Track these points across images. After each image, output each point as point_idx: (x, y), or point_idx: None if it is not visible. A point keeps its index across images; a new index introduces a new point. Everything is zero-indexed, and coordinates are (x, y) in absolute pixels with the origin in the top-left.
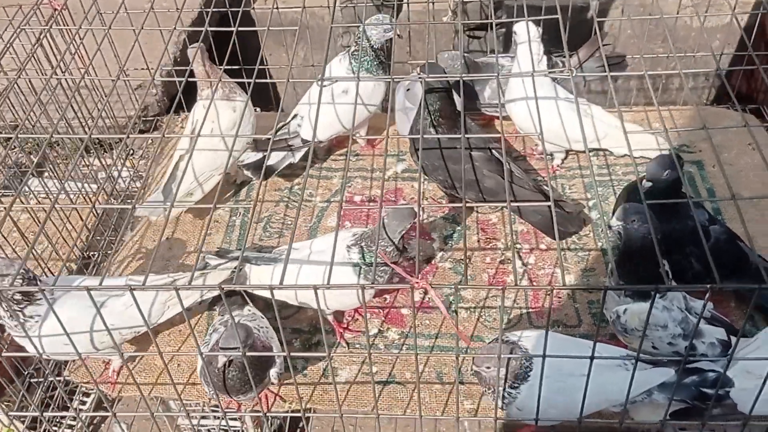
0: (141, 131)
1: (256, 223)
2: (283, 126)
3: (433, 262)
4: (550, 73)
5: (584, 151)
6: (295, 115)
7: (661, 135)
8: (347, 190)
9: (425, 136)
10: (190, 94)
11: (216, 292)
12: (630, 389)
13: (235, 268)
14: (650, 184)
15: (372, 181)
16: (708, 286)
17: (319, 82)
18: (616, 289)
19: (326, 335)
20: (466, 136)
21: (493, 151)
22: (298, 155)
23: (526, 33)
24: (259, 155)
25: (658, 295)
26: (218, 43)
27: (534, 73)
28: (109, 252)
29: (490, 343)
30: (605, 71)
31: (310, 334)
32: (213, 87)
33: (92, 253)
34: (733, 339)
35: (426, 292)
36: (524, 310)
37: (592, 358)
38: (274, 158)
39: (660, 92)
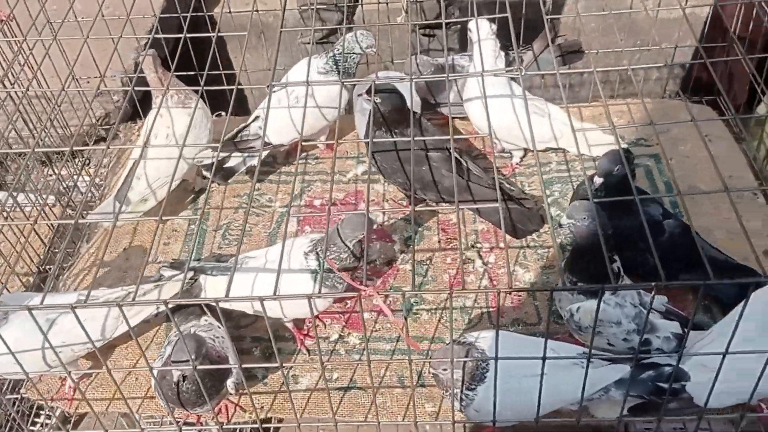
0: (103, 138)
1: (215, 231)
2: (244, 128)
3: (394, 264)
4: (498, 72)
5: (538, 150)
6: (257, 117)
7: (616, 130)
8: (307, 194)
9: (375, 140)
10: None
11: (171, 304)
12: (584, 388)
13: (189, 278)
14: (601, 180)
15: (332, 184)
16: (653, 284)
17: (269, 88)
18: (562, 290)
19: (286, 343)
20: (416, 138)
21: (451, 150)
22: (256, 158)
23: (477, 31)
24: (220, 156)
25: (609, 293)
26: (183, 48)
27: (483, 73)
28: (65, 265)
29: (447, 344)
30: (561, 62)
31: (270, 342)
32: (165, 93)
33: (49, 267)
34: (691, 332)
35: (385, 299)
36: (484, 310)
37: (544, 358)
38: (235, 160)
39: (625, 84)
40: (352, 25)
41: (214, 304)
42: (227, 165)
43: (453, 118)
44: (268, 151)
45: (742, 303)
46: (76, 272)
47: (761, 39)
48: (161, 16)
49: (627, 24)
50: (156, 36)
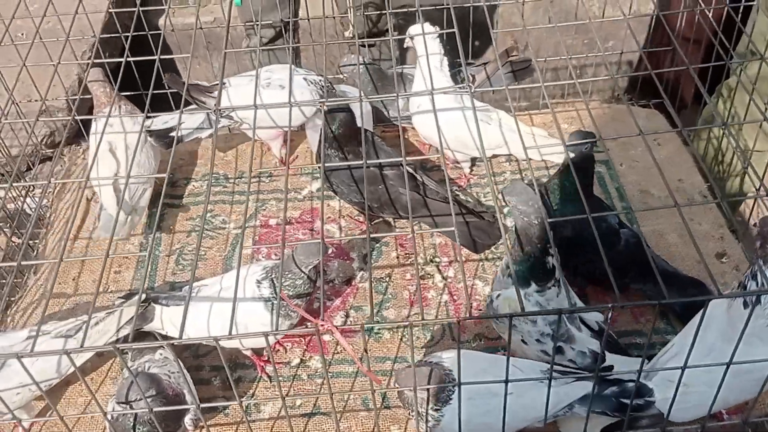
0: (48, 158)
1: (168, 257)
2: (206, 89)
3: (353, 282)
4: (449, 91)
5: (488, 158)
6: (224, 83)
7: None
8: (262, 213)
9: (329, 165)
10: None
11: (126, 331)
12: (548, 406)
13: (142, 302)
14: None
15: (287, 202)
16: (609, 305)
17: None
18: (522, 315)
19: (246, 370)
20: (370, 162)
21: (405, 167)
22: (208, 131)
23: (423, 46)
24: (168, 123)
25: (534, 289)
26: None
27: (433, 91)
28: (12, 299)
29: (411, 366)
30: (513, 79)
31: (230, 370)
32: (112, 105)
33: None
34: (614, 356)
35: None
36: (447, 326)
37: (506, 381)
38: (183, 129)
39: (575, 84)
40: (298, 45)
41: (168, 333)
42: (173, 134)
43: (404, 128)
44: (222, 124)
45: (698, 320)
46: (24, 306)
47: (705, 39)
48: (102, 36)
49: (575, 25)
50: (96, 61)
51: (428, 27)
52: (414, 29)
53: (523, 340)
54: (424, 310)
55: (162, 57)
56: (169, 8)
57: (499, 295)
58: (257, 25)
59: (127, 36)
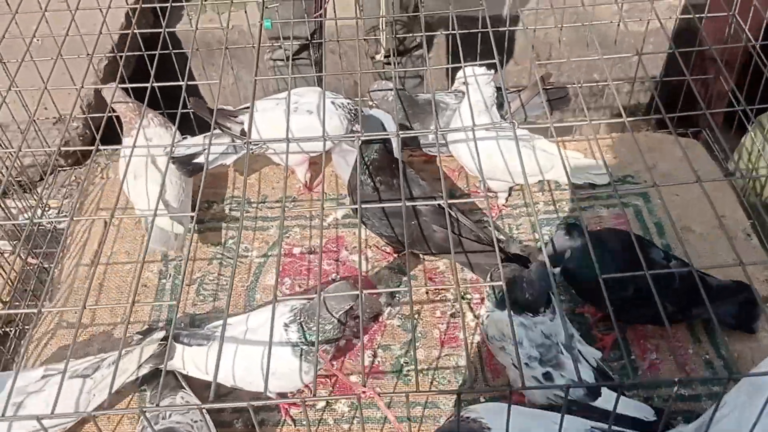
0: (61, 167)
1: (188, 286)
2: (231, 114)
3: (380, 319)
4: (490, 127)
5: (528, 187)
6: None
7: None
8: (286, 242)
9: (364, 205)
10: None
11: (146, 370)
12: None
13: (159, 340)
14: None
15: (311, 230)
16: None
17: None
18: (580, 386)
19: (270, 412)
20: (408, 202)
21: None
22: (233, 157)
23: (472, 78)
24: (192, 149)
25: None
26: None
27: (474, 127)
28: (27, 327)
29: (449, 421)
30: (549, 107)
31: (254, 413)
32: (142, 118)
33: (9, 329)
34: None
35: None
36: (480, 370)
37: None
38: (210, 156)
39: (596, 98)
40: (329, 74)
41: (189, 373)
42: (197, 160)
43: (435, 155)
44: (252, 150)
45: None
46: (39, 336)
47: (739, 60)
48: (127, 54)
49: (600, 41)
50: (122, 86)
51: (480, 70)
52: (468, 72)
53: (514, 365)
54: (454, 351)
55: (190, 83)
56: (196, 30)
57: (488, 316)
58: (284, 40)
59: (152, 56)
